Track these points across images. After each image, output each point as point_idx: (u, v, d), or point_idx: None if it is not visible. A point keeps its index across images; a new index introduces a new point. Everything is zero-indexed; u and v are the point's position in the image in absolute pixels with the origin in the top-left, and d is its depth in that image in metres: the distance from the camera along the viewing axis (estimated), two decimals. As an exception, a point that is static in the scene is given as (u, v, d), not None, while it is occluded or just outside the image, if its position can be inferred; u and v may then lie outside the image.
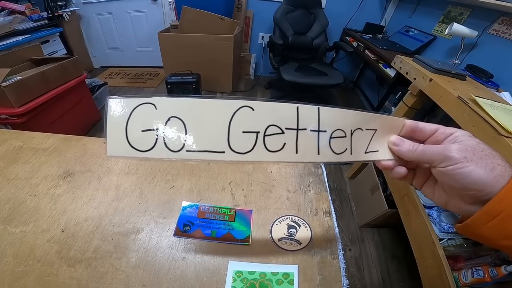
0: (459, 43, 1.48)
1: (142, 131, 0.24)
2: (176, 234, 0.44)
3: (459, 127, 0.86)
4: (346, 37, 2.62)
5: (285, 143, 0.26)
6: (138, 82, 2.86)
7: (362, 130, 0.29)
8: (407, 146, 0.29)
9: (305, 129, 0.27)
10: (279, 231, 0.45)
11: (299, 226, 0.46)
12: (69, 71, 1.67)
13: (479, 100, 0.84)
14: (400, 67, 1.31)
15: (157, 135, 0.24)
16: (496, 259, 0.82)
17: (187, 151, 0.24)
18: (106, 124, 0.24)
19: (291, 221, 0.47)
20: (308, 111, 0.27)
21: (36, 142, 0.61)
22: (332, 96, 2.88)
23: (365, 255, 1.33)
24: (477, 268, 0.84)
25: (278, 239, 0.44)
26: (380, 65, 1.89)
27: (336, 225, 0.47)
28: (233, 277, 0.39)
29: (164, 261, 0.40)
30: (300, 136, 0.26)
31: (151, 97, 0.24)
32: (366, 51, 2.14)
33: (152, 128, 0.24)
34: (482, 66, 1.37)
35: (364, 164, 1.56)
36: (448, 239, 0.93)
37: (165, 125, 0.24)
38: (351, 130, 0.28)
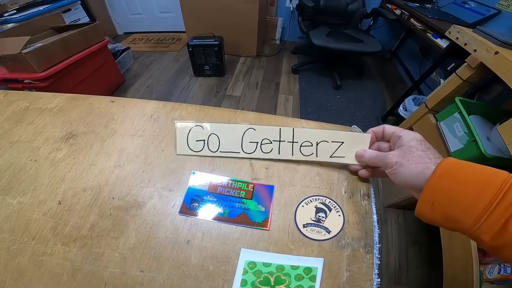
0: (529, 20, 1.22)
1: (196, 140, 0.43)
2: (182, 211, 0.37)
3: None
4: (387, 4, 2.31)
5: (272, 148, 0.43)
6: (161, 46, 2.84)
7: (328, 142, 0.41)
8: (368, 155, 0.39)
9: (284, 140, 0.42)
10: (305, 214, 0.37)
11: (330, 210, 0.38)
12: (90, 37, 1.69)
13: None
14: (457, 37, 1.15)
15: (203, 143, 0.43)
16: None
17: (220, 151, 0.43)
18: (176, 137, 0.44)
19: (321, 202, 0.39)
20: (287, 130, 0.42)
21: (43, 102, 0.56)
22: (365, 65, 2.62)
23: (386, 238, 1.26)
24: (505, 264, 0.79)
25: (303, 224, 0.36)
26: (429, 35, 1.66)
27: (375, 212, 0.38)
28: (244, 268, 0.32)
29: (166, 244, 0.34)
30: (281, 145, 0.42)
31: (200, 123, 0.43)
32: (411, 19, 1.88)
33: (201, 139, 0.43)
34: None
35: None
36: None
37: (208, 137, 0.43)
38: (317, 142, 0.41)
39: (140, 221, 0.36)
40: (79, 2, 2.34)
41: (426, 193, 0.28)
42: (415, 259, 1.20)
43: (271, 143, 0.42)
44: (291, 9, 2.64)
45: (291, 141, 0.41)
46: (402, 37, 2.60)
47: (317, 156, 0.41)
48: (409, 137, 0.34)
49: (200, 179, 0.41)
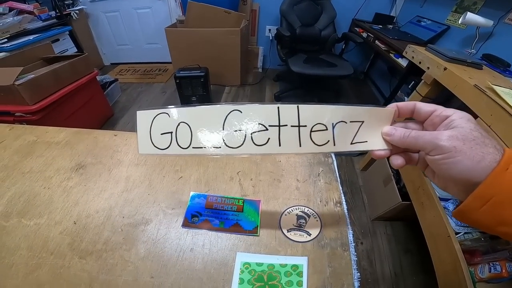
0: (474, 33, 1.44)
1: (161, 134, 0.32)
2: (184, 225, 0.44)
3: (476, 116, 0.84)
4: (355, 28, 2.55)
5: (269, 138, 0.30)
6: (148, 78, 2.89)
7: (346, 122, 0.31)
8: (399, 134, 0.29)
9: (286, 125, 0.30)
10: (288, 221, 0.45)
11: (309, 216, 0.46)
12: (80, 69, 1.71)
13: (497, 88, 0.81)
14: (413, 57, 1.28)
15: (171, 137, 0.31)
16: (515, 254, 0.79)
17: (193, 147, 0.31)
18: (137, 130, 0.32)
19: (301, 211, 0.46)
20: (288, 110, 0.30)
21: (50, 136, 0.62)
22: (342, 87, 2.82)
23: (377, 249, 1.31)
24: (494, 263, 0.82)
25: (287, 230, 0.44)
26: (392, 55, 1.85)
27: (347, 215, 0.46)
28: (240, 268, 0.39)
29: (172, 252, 0.40)
30: (282, 132, 0.30)
31: (165, 108, 0.31)
32: (376, 41, 2.09)
33: (167, 131, 0.31)
34: (499, 55, 1.32)
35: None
36: (465, 232, 0.89)
37: (176, 129, 0.31)
38: (333, 124, 0.31)
39: (148, 235, 0.42)
40: (67, 32, 2.42)
41: (484, 188, 0.23)
42: (409, 267, 1.24)
43: (267, 129, 0.30)
44: (270, 38, 2.85)
45: (297, 125, 0.31)
46: (371, 58, 2.85)
47: (334, 144, 0.31)
48: (465, 118, 0.26)
49: (198, 198, 0.48)
